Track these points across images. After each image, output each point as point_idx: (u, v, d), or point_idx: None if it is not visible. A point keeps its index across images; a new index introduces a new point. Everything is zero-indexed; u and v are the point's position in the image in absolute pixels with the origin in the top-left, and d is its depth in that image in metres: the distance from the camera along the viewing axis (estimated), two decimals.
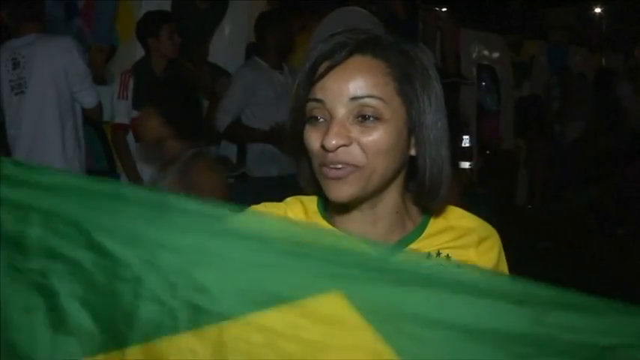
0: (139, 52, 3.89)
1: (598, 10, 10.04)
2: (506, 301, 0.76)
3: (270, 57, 4.08)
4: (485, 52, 6.99)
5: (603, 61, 8.97)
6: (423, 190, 1.03)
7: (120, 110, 3.68)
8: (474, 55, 6.84)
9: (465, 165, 3.77)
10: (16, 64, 3.35)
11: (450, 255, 1.05)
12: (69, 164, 3.36)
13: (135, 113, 3.64)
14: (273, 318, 0.76)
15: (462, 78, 6.31)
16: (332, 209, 1.07)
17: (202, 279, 0.77)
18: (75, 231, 0.82)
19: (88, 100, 3.49)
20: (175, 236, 0.79)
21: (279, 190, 1.16)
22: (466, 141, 3.83)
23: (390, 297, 0.76)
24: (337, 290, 0.75)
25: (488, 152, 6.76)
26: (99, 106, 3.57)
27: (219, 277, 0.77)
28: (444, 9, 6.54)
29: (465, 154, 3.80)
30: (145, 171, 3.64)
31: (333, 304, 0.75)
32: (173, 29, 3.69)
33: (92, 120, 3.61)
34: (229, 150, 4.58)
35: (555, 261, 5.14)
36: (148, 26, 3.69)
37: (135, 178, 3.61)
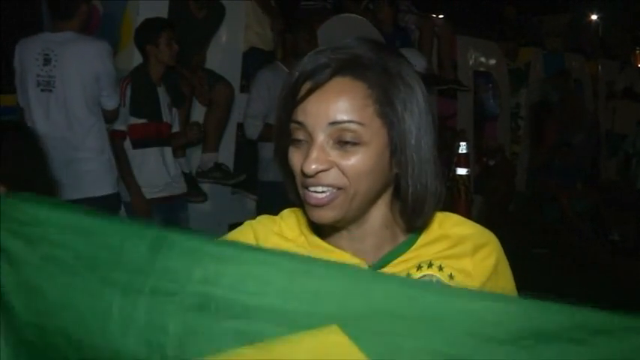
0: (137, 59, 3.89)
1: (594, 16, 10.09)
2: (506, 339, 0.72)
3: (291, 63, 4.12)
4: (482, 59, 7.01)
5: (599, 67, 9.00)
6: (406, 209, 1.01)
7: (117, 117, 3.68)
8: (470, 62, 6.86)
9: (462, 172, 3.76)
10: (47, 61, 3.33)
11: (442, 265, 1.03)
12: (96, 162, 3.41)
13: (132, 120, 3.65)
14: (270, 352, 0.76)
15: (459, 85, 6.33)
16: (322, 225, 1.06)
17: (192, 318, 0.78)
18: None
19: (111, 102, 3.50)
20: (173, 275, 0.80)
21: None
22: (463, 147, 3.82)
23: (390, 331, 0.74)
24: (334, 325, 0.75)
25: (485, 159, 6.76)
26: (117, 110, 3.58)
27: (211, 316, 0.78)
28: (441, 16, 6.58)
29: (462, 160, 3.79)
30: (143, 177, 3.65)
31: (330, 338, 0.75)
32: (171, 36, 3.69)
33: (107, 121, 3.60)
34: (227, 158, 4.60)
35: (551, 267, 5.16)
36: (147, 33, 3.69)
37: (132, 185, 3.61)
